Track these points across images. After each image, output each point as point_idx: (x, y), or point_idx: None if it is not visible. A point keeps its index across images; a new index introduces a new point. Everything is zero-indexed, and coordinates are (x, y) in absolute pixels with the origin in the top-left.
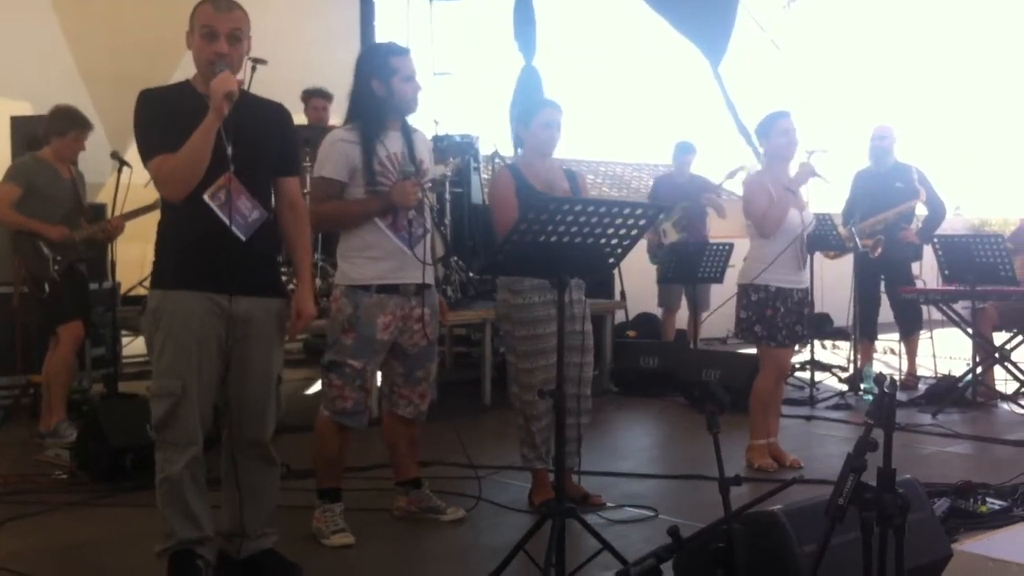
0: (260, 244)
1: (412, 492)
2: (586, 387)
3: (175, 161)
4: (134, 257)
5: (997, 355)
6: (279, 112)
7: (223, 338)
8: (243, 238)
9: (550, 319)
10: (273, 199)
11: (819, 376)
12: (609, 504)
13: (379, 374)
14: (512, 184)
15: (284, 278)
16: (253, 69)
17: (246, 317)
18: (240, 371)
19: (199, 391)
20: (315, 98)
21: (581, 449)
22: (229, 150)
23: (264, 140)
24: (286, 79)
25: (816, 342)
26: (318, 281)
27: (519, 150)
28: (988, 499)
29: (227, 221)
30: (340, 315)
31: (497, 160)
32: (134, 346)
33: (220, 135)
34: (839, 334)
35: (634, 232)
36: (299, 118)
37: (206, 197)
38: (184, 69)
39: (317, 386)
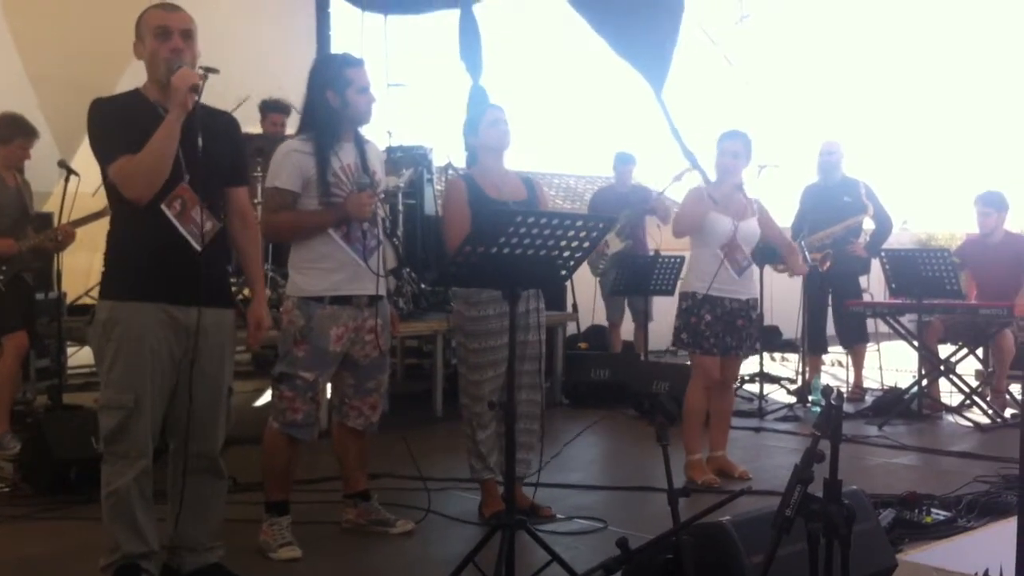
0: (213, 254)
1: (361, 504)
2: (531, 392)
3: (140, 160)
4: (80, 266)
5: (942, 368)
6: (229, 122)
7: (176, 350)
8: (198, 248)
9: (504, 331)
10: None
11: (768, 388)
12: (559, 516)
13: (329, 386)
14: (465, 195)
15: (233, 288)
16: (205, 78)
17: (199, 328)
18: (191, 383)
19: (151, 404)
20: (273, 112)
21: (538, 458)
22: (199, 149)
23: (216, 150)
24: (240, 89)
25: (765, 354)
26: (268, 292)
27: (472, 165)
28: (933, 510)
29: (183, 231)
30: (292, 327)
31: (451, 171)
32: (79, 357)
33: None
34: (788, 346)
35: (586, 245)
36: (255, 127)
37: (163, 206)
38: (129, 77)
39: (266, 398)
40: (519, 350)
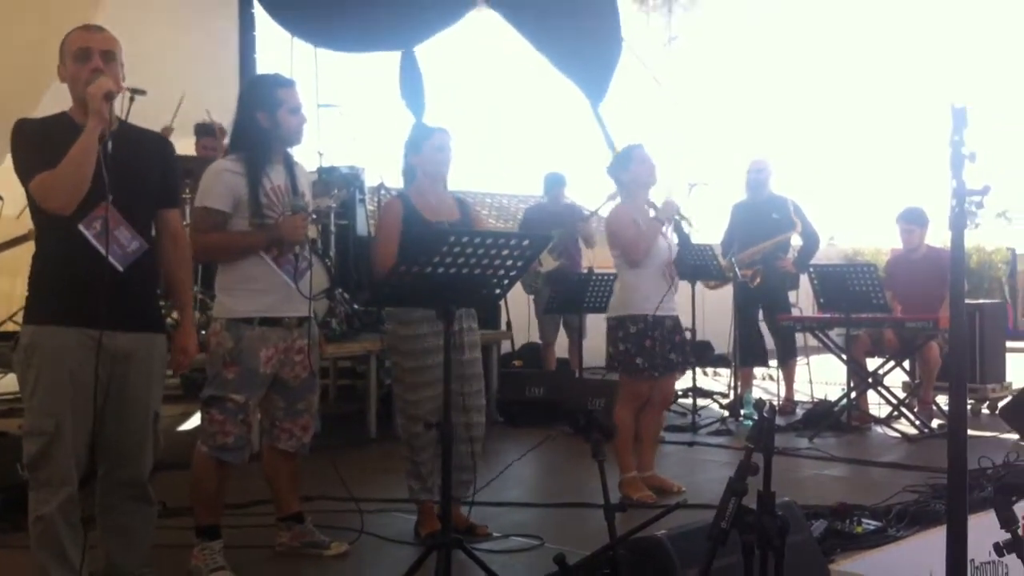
0: (139, 277)
1: (295, 527)
2: (480, 414)
3: (58, 172)
4: (3, 291)
5: (870, 380)
6: (160, 143)
7: (101, 374)
8: (120, 268)
9: (438, 349)
10: (153, 231)
11: (701, 402)
12: (496, 534)
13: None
14: (400, 215)
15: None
16: (131, 100)
17: (125, 353)
18: (118, 408)
19: (73, 430)
20: (205, 137)
21: (476, 477)
22: (118, 168)
23: (144, 171)
24: (166, 112)
25: (698, 369)
26: (197, 314)
27: (408, 184)
28: (863, 520)
29: (103, 250)
30: (220, 349)
31: (383, 192)
32: (4, 383)
33: (99, 163)
34: (720, 361)
35: (520, 263)
36: (189, 147)
37: (81, 226)
38: (49, 100)
39: (194, 421)
40: (459, 369)
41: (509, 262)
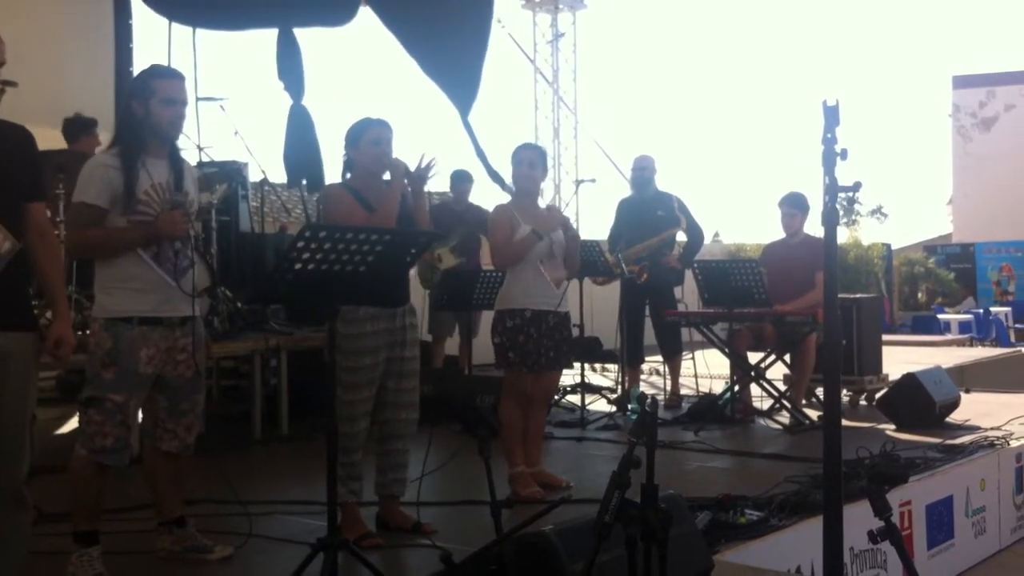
0: (10, 275)
1: (176, 531)
2: (416, 411)
3: None
4: None
5: (752, 374)
6: (22, 135)
7: None
8: None
9: (376, 349)
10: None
11: (589, 398)
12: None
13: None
14: (352, 197)
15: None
16: (2, 92)
17: (3, 352)
18: None
19: None
20: (73, 127)
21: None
22: None
23: (9, 165)
24: (37, 104)
25: (586, 365)
26: (73, 314)
27: (348, 175)
28: (747, 510)
29: None
30: (99, 349)
31: (266, 188)
32: None
33: None
34: (608, 357)
35: (407, 259)
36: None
37: None
38: None
39: (71, 424)
40: (399, 367)
41: (395, 258)
